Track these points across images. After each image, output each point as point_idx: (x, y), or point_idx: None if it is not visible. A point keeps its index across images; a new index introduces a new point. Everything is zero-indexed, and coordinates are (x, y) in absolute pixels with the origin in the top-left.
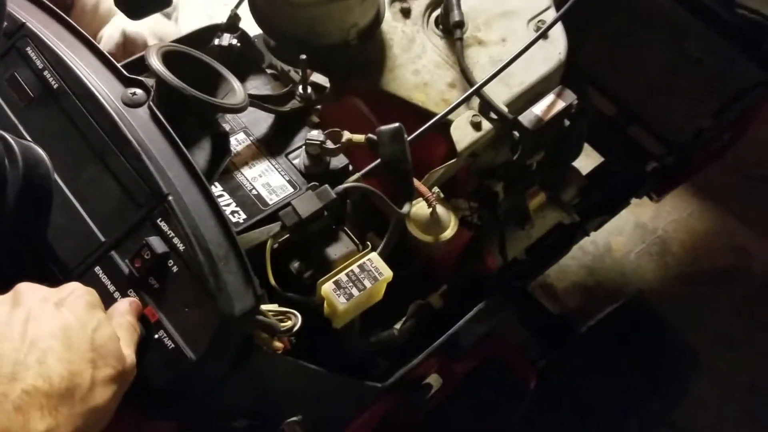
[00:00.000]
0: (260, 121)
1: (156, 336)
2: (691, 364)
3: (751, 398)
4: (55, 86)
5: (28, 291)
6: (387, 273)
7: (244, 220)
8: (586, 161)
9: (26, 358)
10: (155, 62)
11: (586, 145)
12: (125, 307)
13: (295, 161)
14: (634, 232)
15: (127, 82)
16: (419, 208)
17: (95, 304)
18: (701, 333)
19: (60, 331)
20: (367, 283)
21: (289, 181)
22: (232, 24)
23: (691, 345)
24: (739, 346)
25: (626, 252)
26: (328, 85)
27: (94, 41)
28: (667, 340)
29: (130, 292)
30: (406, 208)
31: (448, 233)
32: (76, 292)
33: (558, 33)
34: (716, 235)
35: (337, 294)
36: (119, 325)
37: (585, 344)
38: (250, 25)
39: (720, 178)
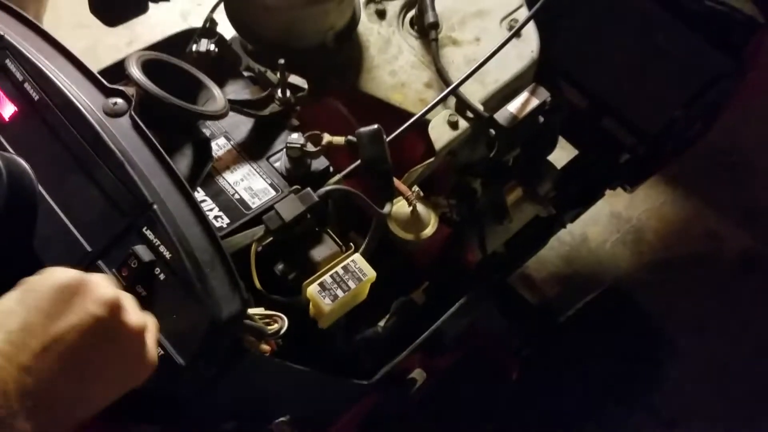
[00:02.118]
0: (240, 126)
1: None
2: (667, 350)
3: (725, 380)
4: (36, 98)
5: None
6: (371, 273)
7: (227, 224)
8: (561, 153)
9: None
10: (136, 72)
11: (560, 138)
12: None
13: (276, 164)
14: (610, 222)
15: (108, 92)
16: (400, 206)
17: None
18: (676, 318)
19: None
20: (352, 284)
21: (270, 185)
22: (210, 29)
23: (667, 331)
24: (713, 330)
25: (602, 241)
26: (306, 86)
27: (73, 52)
28: (643, 327)
29: None
30: (387, 208)
31: (429, 231)
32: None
33: (530, 31)
34: (689, 222)
35: (322, 295)
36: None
37: (565, 334)
38: (225, 27)
39: (691, 166)
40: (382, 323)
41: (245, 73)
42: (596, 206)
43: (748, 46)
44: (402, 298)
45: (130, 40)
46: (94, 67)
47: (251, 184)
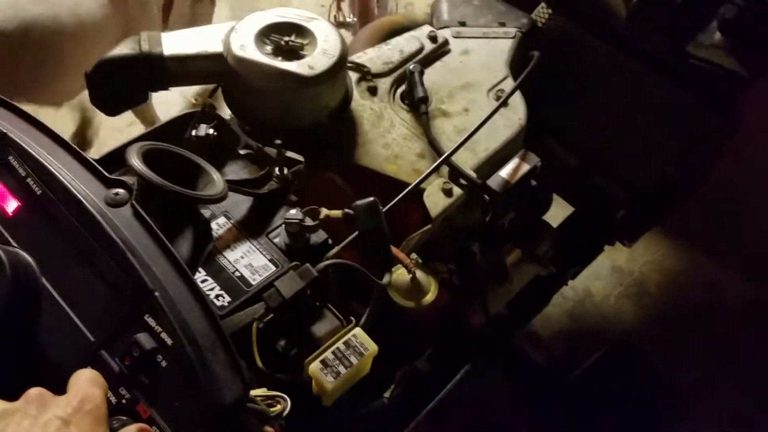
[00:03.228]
0: (240, 204)
1: None
2: (678, 403)
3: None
4: (39, 192)
5: (38, 402)
6: (372, 347)
7: (228, 303)
8: (557, 210)
9: None
10: (136, 163)
11: (557, 196)
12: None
13: (276, 240)
14: (612, 276)
15: (109, 183)
16: (399, 274)
17: (102, 419)
18: (683, 371)
19: None
20: (354, 360)
21: (270, 260)
22: (208, 113)
23: (676, 385)
24: (719, 381)
25: (605, 295)
26: (303, 162)
27: (74, 145)
28: (653, 381)
29: (122, 389)
30: (386, 279)
31: (430, 297)
32: (85, 407)
33: (517, 100)
34: (689, 273)
35: (325, 373)
36: None
37: (574, 393)
38: (224, 107)
39: (688, 217)
40: (387, 394)
41: (243, 151)
42: (597, 261)
43: (734, 102)
44: (406, 366)
45: (132, 120)
46: (97, 149)
47: (251, 261)
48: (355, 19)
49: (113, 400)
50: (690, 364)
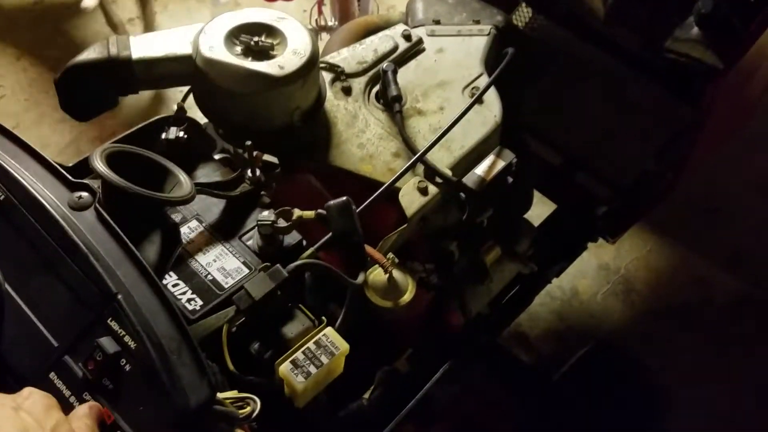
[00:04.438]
0: (212, 207)
1: None
2: (665, 401)
3: (726, 430)
4: (2, 198)
5: None
6: (343, 346)
7: (200, 306)
8: (543, 208)
9: None
10: (98, 164)
11: (540, 194)
12: (84, 411)
13: (249, 242)
14: (598, 274)
15: (73, 187)
16: (377, 275)
17: (53, 405)
18: (672, 368)
19: None
20: (324, 359)
21: (243, 263)
22: (180, 116)
23: (664, 381)
24: (710, 378)
25: (593, 294)
26: (278, 164)
27: (37, 149)
28: (638, 379)
29: (86, 395)
30: (360, 278)
31: (407, 297)
32: (33, 396)
33: (492, 97)
34: (676, 269)
35: (295, 373)
36: (78, 428)
37: (560, 392)
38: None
39: (671, 213)
40: (366, 395)
41: (218, 156)
42: (583, 259)
43: (705, 94)
44: (386, 367)
45: (114, 130)
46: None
47: (224, 265)
48: (337, 23)
49: (77, 405)
50: (679, 361)
